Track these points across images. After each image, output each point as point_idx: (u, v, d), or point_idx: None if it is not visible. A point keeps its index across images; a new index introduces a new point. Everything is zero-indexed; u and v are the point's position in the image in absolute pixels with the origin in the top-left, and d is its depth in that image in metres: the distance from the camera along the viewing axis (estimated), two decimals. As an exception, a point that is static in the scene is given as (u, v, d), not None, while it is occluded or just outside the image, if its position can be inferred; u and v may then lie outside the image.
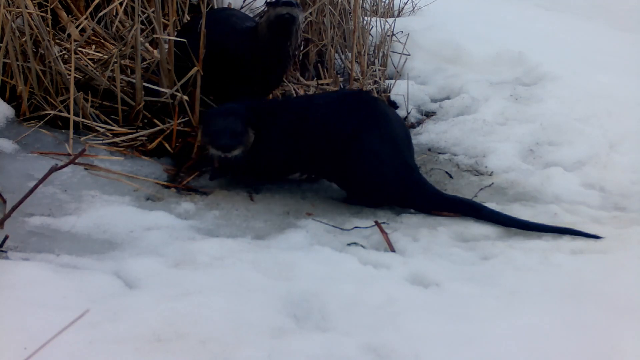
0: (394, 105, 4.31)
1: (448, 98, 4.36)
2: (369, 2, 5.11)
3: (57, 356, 1.68)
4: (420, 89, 4.46)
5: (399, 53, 4.67)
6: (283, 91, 3.86)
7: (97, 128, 3.25)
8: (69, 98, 3.18)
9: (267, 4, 3.34)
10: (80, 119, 3.22)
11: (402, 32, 4.82)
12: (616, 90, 4.31)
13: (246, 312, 2.02)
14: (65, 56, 3.36)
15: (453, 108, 4.23)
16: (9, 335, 1.78)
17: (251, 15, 4.45)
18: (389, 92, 4.35)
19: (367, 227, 2.82)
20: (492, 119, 4.02)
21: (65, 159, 2.84)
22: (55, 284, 2.05)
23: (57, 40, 3.47)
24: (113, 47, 3.60)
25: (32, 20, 3.12)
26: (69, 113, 3.15)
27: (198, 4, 4.33)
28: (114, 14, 3.83)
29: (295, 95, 3.88)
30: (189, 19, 4.08)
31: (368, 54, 4.45)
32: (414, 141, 3.91)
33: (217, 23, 3.40)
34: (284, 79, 3.94)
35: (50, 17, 3.40)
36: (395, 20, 4.99)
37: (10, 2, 3.12)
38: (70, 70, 3.19)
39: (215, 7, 4.25)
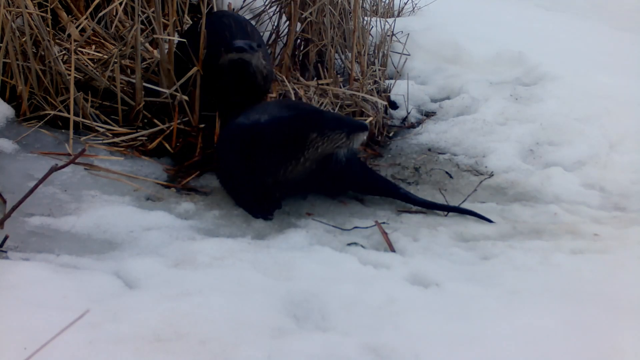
0: (394, 105, 4.30)
1: (448, 98, 4.36)
2: (369, 2, 5.10)
3: (57, 356, 1.68)
4: (420, 89, 4.46)
5: (399, 53, 4.67)
6: (282, 91, 3.85)
7: (97, 128, 3.25)
8: (69, 98, 3.17)
9: (223, 49, 3.24)
10: (80, 119, 3.22)
11: (402, 32, 4.82)
12: (616, 90, 4.30)
13: (246, 312, 2.02)
14: (65, 56, 3.35)
15: (453, 108, 4.23)
16: (9, 335, 1.78)
17: (251, 15, 4.46)
18: (389, 92, 4.35)
19: (367, 227, 2.82)
20: (492, 119, 4.02)
21: (65, 159, 2.84)
22: (55, 284, 2.05)
23: (57, 40, 3.46)
24: (113, 47, 3.60)
25: (32, 20, 3.12)
26: (69, 113, 3.15)
27: (198, 4, 4.33)
28: (114, 14, 3.83)
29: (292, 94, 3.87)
30: (188, 19, 4.08)
31: (368, 54, 4.45)
32: (414, 141, 3.94)
33: (214, 32, 3.39)
34: (285, 79, 3.94)
35: (50, 17, 3.40)
36: (395, 20, 4.98)
37: (10, 2, 3.12)
38: (70, 70, 3.19)
39: (215, 8, 4.25)
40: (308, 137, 2.72)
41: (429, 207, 3.07)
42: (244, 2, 4.45)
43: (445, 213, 3.06)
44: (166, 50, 3.39)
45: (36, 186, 2.35)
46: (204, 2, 4.20)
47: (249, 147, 2.80)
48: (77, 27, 3.62)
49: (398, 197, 3.11)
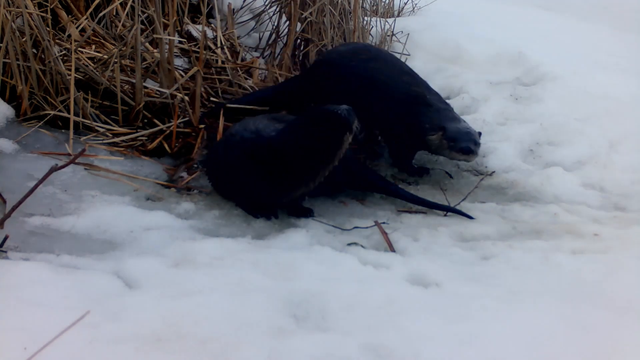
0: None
1: (448, 98, 4.35)
2: (369, 2, 5.11)
3: (57, 356, 1.68)
4: (420, 89, 4.45)
5: (399, 53, 4.67)
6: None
7: (97, 128, 3.25)
8: (69, 98, 3.17)
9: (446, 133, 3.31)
10: (80, 119, 3.22)
11: (402, 32, 4.82)
12: (616, 90, 4.31)
13: (246, 312, 2.02)
14: (65, 56, 3.35)
15: (453, 108, 4.22)
16: (9, 335, 1.78)
17: (251, 15, 4.46)
18: (389, 92, 4.34)
19: (367, 227, 2.82)
20: (492, 119, 4.02)
21: (65, 159, 2.84)
22: (55, 284, 2.05)
23: (57, 40, 3.46)
24: (113, 47, 3.60)
25: (32, 20, 3.12)
26: (69, 113, 3.15)
27: (198, 4, 4.33)
28: (114, 14, 3.83)
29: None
30: (188, 20, 4.08)
31: (368, 54, 4.44)
32: (414, 141, 3.94)
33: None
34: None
35: (50, 17, 3.40)
36: (395, 20, 4.99)
37: (10, 2, 3.11)
38: (70, 70, 3.18)
39: (216, 8, 4.25)
40: (344, 138, 2.68)
41: (418, 203, 3.12)
42: (244, 2, 4.45)
43: (445, 213, 3.06)
44: (166, 50, 3.39)
45: (36, 186, 2.35)
46: (204, 2, 4.20)
47: (275, 162, 2.71)
48: (77, 27, 3.62)
49: (389, 192, 3.17)
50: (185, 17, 4.08)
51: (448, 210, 3.07)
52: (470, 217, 3.01)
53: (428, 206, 3.11)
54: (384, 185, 3.19)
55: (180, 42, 3.93)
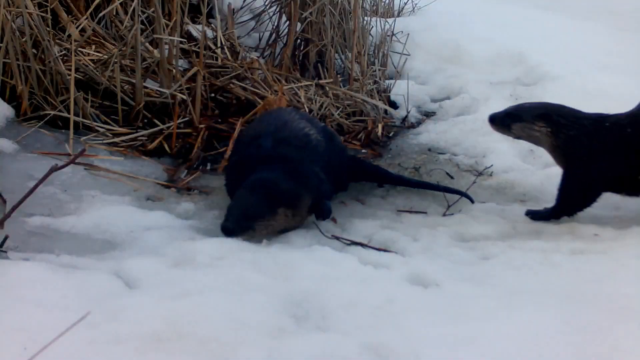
0: (394, 105, 4.30)
1: (448, 98, 4.35)
2: (369, 2, 5.11)
3: (57, 356, 1.68)
4: (420, 89, 4.45)
5: (399, 53, 4.67)
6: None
7: (97, 128, 3.25)
8: (69, 98, 3.17)
9: None
10: (80, 119, 3.22)
11: (402, 32, 4.81)
12: (616, 90, 4.30)
13: (246, 312, 2.02)
14: (65, 56, 3.35)
15: (453, 108, 4.22)
16: (9, 335, 1.78)
17: (251, 15, 4.46)
18: (389, 92, 4.35)
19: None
20: (492, 119, 4.01)
21: (65, 159, 2.84)
22: (55, 284, 2.05)
23: (57, 40, 3.46)
24: (113, 47, 3.60)
25: (32, 20, 3.12)
26: (69, 113, 3.15)
27: (198, 4, 4.33)
28: (114, 14, 3.83)
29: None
30: (188, 20, 4.08)
31: (368, 54, 4.45)
32: (414, 141, 3.93)
33: None
34: (285, 81, 3.94)
35: (50, 17, 3.40)
36: (395, 20, 4.99)
37: (10, 2, 3.12)
38: (70, 70, 3.18)
39: (216, 8, 4.25)
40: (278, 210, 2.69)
41: (421, 186, 3.23)
42: (244, 2, 4.45)
43: (444, 213, 3.06)
44: (166, 51, 3.39)
45: (36, 186, 2.35)
46: (204, 2, 4.20)
47: None
48: (77, 27, 3.62)
49: (391, 181, 3.25)
50: (185, 17, 4.08)
51: (452, 192, 3.15)
52: (472, 201, 3.11)
53: (432, 189, 3.20)
54: (385, 173, 3.28)
55: (180, 42, 3.93)
